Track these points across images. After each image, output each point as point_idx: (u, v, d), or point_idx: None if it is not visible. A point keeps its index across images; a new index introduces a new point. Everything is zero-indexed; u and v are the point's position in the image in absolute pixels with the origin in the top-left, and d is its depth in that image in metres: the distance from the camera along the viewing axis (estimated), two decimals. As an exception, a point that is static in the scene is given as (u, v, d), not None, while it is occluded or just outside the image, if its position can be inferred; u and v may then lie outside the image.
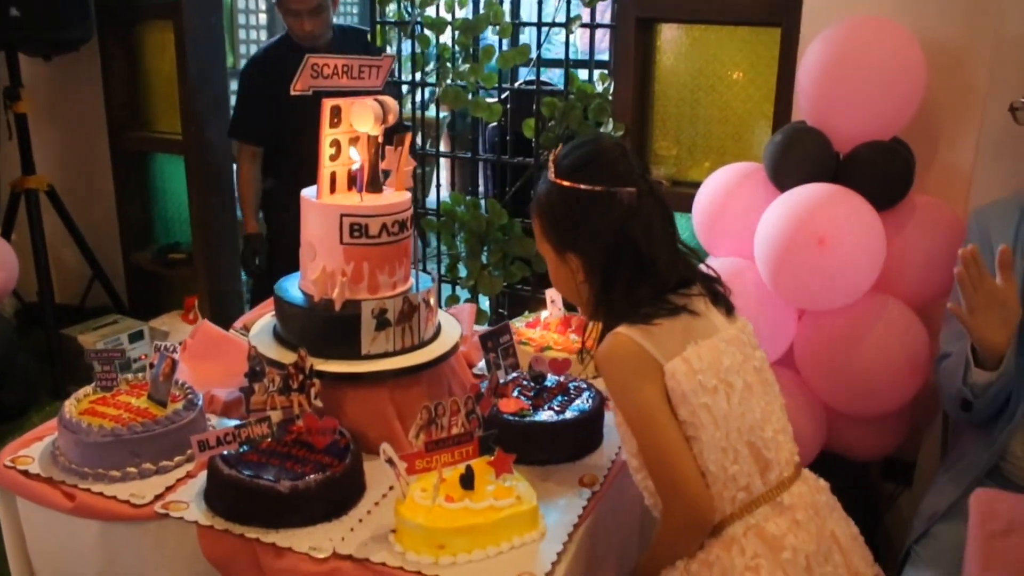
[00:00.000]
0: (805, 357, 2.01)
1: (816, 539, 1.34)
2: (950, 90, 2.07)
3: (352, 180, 1.61)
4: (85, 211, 3.66)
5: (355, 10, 6.82)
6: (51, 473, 1.45)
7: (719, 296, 1.41)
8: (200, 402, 1.55)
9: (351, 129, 1.56)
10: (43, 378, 3.21)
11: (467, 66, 2.95)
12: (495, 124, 3.19)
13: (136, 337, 3.35)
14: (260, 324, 1.72)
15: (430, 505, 1.26)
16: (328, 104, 1.52)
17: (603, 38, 2.99)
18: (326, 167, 1.55)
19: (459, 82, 2.96)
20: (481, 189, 3.60)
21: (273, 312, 1.75)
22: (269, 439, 1.41)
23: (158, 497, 1.39)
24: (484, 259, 3.03)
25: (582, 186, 1.34)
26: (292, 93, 1.49)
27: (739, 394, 1.32)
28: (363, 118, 1.53)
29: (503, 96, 3.05)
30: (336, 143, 1.56)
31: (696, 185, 2.64)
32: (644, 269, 1.33)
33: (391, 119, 1.58)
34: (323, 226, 1.54)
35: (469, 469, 1.31)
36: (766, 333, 1.96)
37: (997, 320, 1.51)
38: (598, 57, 2.97)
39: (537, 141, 2.94)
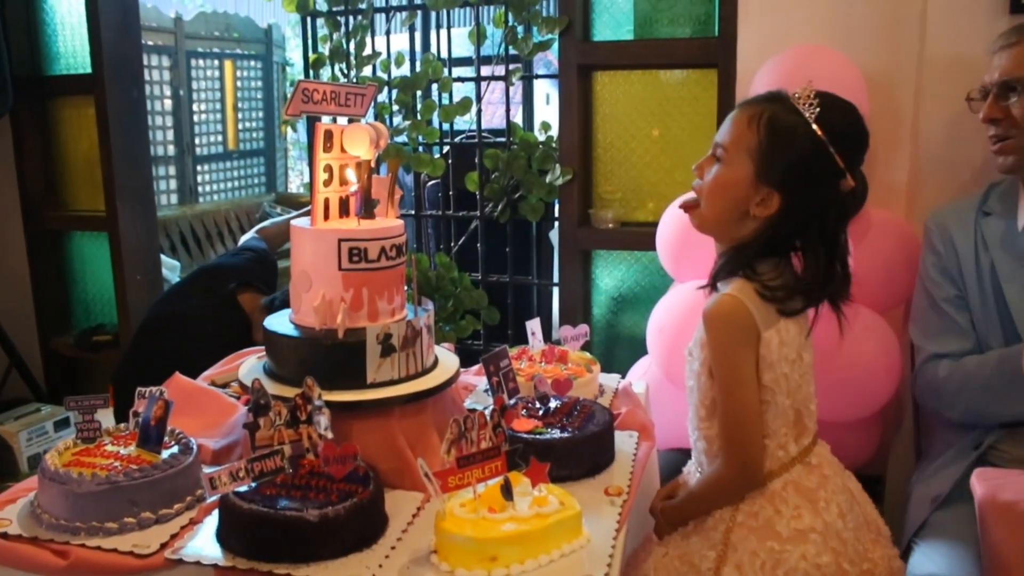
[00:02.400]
0: (784, 370, 2.05)
1: (841, 491, 1.48)
2: (882, 111, 2.21)
3: (343, 207, 1.58)
4: (-3, 295, 3.45)
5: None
6: (35, 532, 1.31)
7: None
8: (195, 446, 1.45)
9: (343, 154, 1.54)
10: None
11: (407, 123, 2.97)
12: (435, 181, 3.20)
13: (62, 425, 3.14)
14: (248, 365, 1.64)
15: (475, 518, 1.20)
16: (321, 128, 1.50)
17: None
18: (320, 193, 1.52)
19: (399, 139, 2.98)
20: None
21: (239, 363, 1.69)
22: (283, 472, 1.32)
23: (164, 546, 1.28)
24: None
25: (833, 150, 1.37)
26: (285, 116, 1.46)
27: (806, 367, 1.47)
28: (358, 142, 1.52)
29: (444, 151, 3.07)
30: (328, 168, 1.53)
31: (643, 225, 2.73)
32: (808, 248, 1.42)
33: (383, 144, 1.56)
34: (320, 253, 1.49)
35: (507, 480, 1.27)
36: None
37: None
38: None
39: (481, 193, 2.97)
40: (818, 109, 1.39)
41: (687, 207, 1.52)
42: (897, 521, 2.05)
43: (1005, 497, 1.47)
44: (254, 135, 7.15)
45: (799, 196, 1.40)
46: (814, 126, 1.38)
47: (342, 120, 1.62)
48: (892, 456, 2.31)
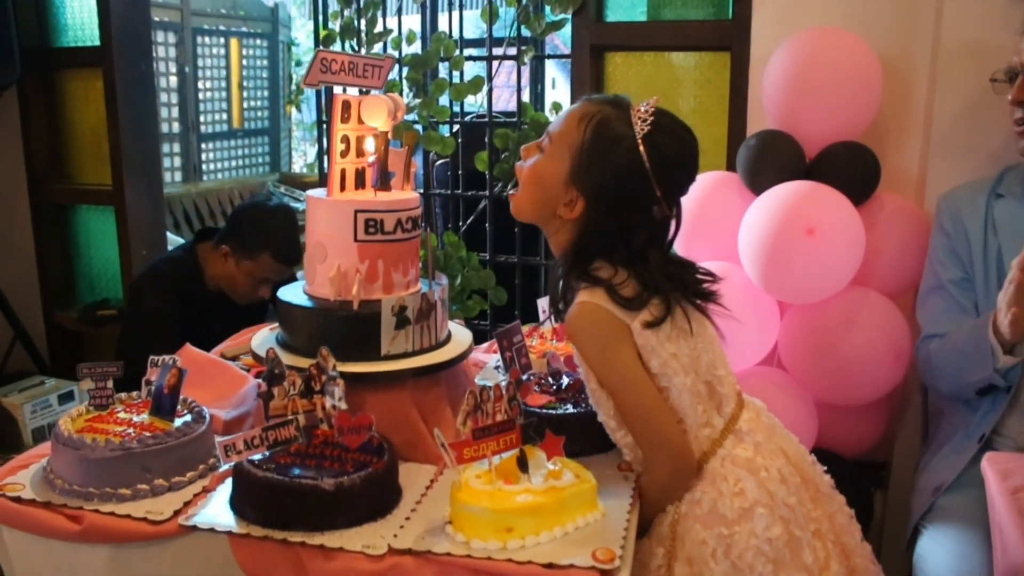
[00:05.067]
0: (793, 353, 2.05)
1: (778, 454, 1.44)
2: (896, 95, 2.20)
3: (359, 179, 1.57)
4: (2, 268, 3.43)
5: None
6: (48, 498, 1.31)
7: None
8: (208, 415, 1.45)
9: (361, 125, 1.53)
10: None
11: (418, 101, 2.96)
12: (444, 160, 3.19)
13: (66, 398, 3.12)
14: (260, 336, 1.64)
15: (491, 489, 1.20)
16: (340, 99, 1.49)
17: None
18: (337, 163, 1.51)
19: (409, 117, 2.96)
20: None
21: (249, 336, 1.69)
22: (298, 441, 1.32)
23: (177, 513, 1.28)
24: (442, 293, 3.00)
25: (650, 174, 1.34)
26: (304, 85, 1.46)
27: (696, 338, 1.40)
28: (376, 113, 1.51)
29: (454, 130, 3.06)
30: (346, 139, 1.52)
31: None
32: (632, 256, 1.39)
33: (400, 116, 1.55)
34: (336, 224, 1.49)
35: (523, 452, 1.27)
36: (752, 333, 2.01)
37: None
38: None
39: (491, 173, 2.96)
40: (649, 128, 1.35)
41: (512, 193, 1.50)
42: (901, 508, 2.06)
43: (1016, 481, 1.47)
44: (259, 114, 7.13)
45: (603, 209, 1.37)
46: (640, 144, 1.34)
47: (352, 90, 1.60)
48: (898, 442, 2.31)
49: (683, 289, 1.42)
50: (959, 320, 1.79)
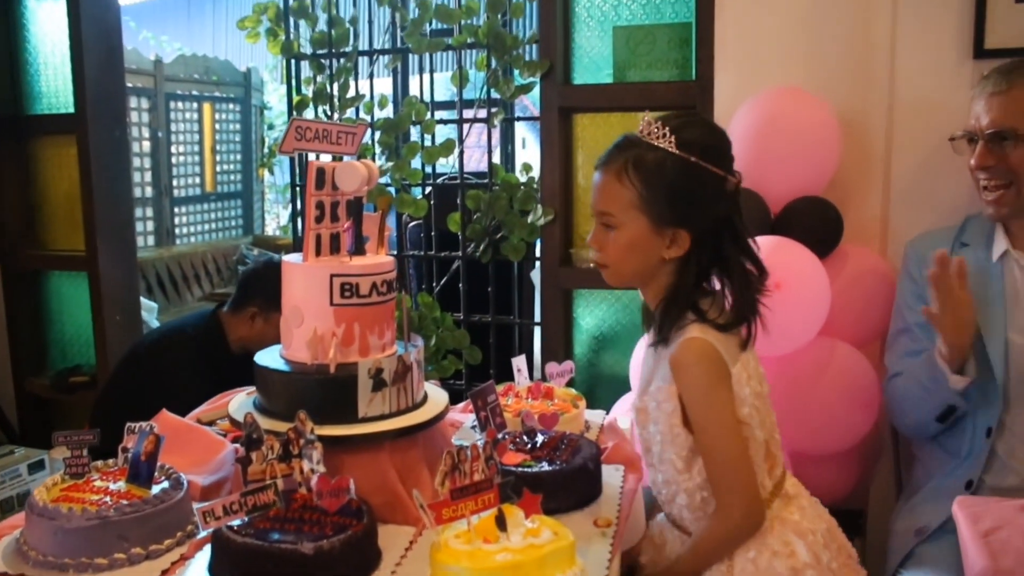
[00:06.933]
0: (766, 404, 2.08)
1: (820, 518, 1.49)
2: (855, 151, 2.28)
3: (334, 244, 1.60)
4: (-28, 336, 3.41)
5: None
6: (22, 570, 1.29)
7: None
8: (186, 482, 1.45)
9: (335, 192, 1.56)
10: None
11: (391, 164, 3.01)
12: (417, 222, 3.24)
13: (37, 467, 3.09)
14: (238, 401, 1.64)
15: (471, 548, 1.21)
16: (314, 166, 1.52)
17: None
18: (312, 229, 1.54)
19: (382, 180, 3.01)
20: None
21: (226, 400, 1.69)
22: (276, 506, 1.32)
23: (154, 583, 1.27)
24: (418, 353, 3.01)
25: (707, 165, 1.37)
26: (279, 152, 1.49)
27: (766, 396, 1.45)
28: (351, 179, 1.54)
29: (426, 192, 3.11)
30: (321, 205, 1.55)
31: (623, 264, 2.76)
32: (730, 263, 1.42)
33: (374, 182, 1.59)
34: (312, 288, 1.51)
35: (501, 511, 1.27)
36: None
37: (962, 321, 1.64)
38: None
39: (464, 234, 3.00)
40: (673, 136, 1.38)
41: (600, 266, 1.51)
42: (879, 554, 2.08)
43: (985, 525, 1.50)
44: (232, 177, 7.17)
45: (701, 220, 1.40)
46: (679, 153, 1.38)
47: (325, 157, 1.64)
48: (873, 489, 2.34)
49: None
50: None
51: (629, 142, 1.44)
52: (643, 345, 1.51)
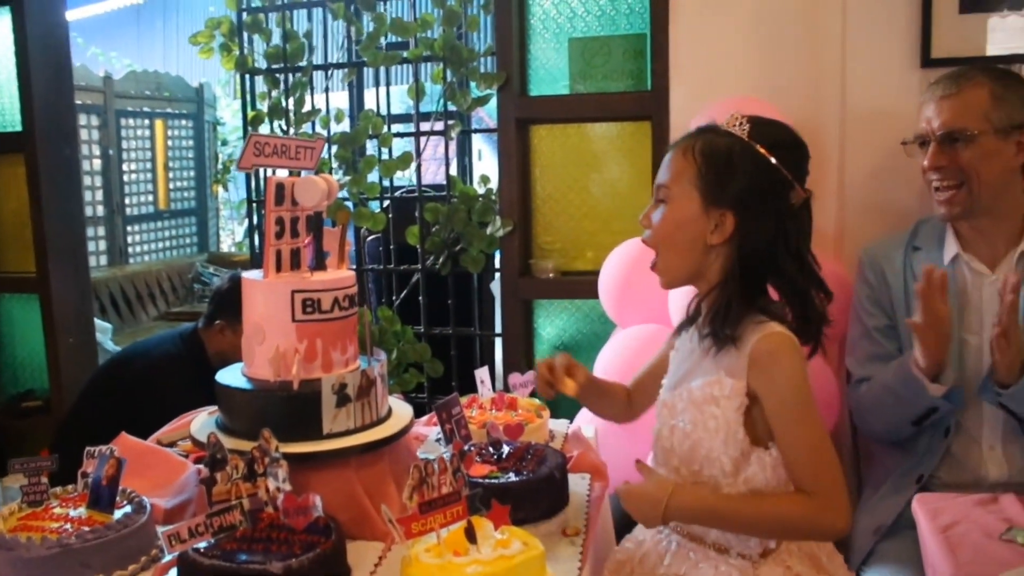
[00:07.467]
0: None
1: None
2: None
3: (295, 259, 1.59)
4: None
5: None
6: (-19, 603, 1.27)
7: None
8: (149, 505, 1.42)
9: (295, 207, 1.55)
10: None
11: (348, 178, 3.00)
12: (375, 236, 3.23)
13: (-12, 496, 3.00)
14: (199, 422, 1.62)
15: (441, 562, 1.21)
16: (273, 182, 1.52)
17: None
18: (272, 245, 1.53)
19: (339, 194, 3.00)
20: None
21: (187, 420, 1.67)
22: (243, 526, 1.31)
23: (118, 610, 1.25)
24: (380, 367, 3.00)
25: (776, 162, 1.36)
26: (238, 169, 1.48)
27: None
28: (310, 194, 1.53)
29: (384, 206, 3.10)
30: (280, 221, 1.54)
31: (583, 274, 2.78)
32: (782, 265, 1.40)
33: (334, 196, 1.59)
34: (273, 305, 1.50)
35: (470, 523, 1.27)
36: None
37: (943, 334, 1.68)
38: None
39: (422, 247, 3.00)
40: (748, 126, 1.39)
41: (653, 267, 1.50)
42: (842, 550, 2.11)
43: (944, 520, 1.54)
44: (185, 194, 7.07)
45: (752, 211, 1.37)
46: (748, 141, 1.38)
47: (281, 172, 1.63)
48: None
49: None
50: (885, 364, 1.89)
51: (706, 128, 1.44)
52: (650, 339, 1.49)
